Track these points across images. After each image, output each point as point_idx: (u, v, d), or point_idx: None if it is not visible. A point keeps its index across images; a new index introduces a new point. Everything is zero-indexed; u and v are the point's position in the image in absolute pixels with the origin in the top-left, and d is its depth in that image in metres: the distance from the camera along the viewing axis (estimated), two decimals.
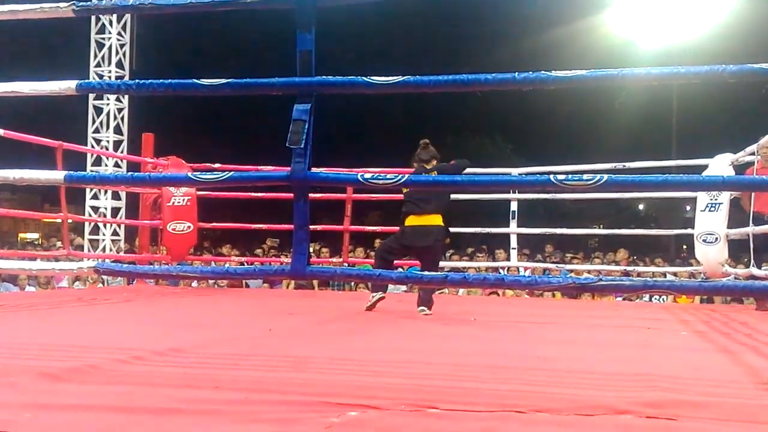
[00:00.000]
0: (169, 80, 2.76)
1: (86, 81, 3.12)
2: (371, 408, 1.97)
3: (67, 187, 6.58)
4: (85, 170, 10.79)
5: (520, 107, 21.43)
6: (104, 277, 8.85)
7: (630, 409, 2.00)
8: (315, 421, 1.82)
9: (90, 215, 11.74)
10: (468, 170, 5.43)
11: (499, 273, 7.91)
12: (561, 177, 2.44)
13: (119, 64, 11.99)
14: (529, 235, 8.93)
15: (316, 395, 2.10)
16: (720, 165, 6.58)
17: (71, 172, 3.12)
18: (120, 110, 12.02)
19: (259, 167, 7.25)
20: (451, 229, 8.38)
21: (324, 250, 10.06)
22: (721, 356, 3.32)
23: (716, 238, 6.58)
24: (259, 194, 8.28)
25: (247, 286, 9.13)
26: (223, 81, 2.71)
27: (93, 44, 11.98)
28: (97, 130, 11.92)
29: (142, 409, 1.94)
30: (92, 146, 11.68)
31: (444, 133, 22.64)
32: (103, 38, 11.94)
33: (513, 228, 7.91)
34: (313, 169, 2.77)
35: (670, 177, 2.61)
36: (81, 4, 2.92)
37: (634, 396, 2.20)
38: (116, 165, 11.76)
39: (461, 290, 8.46)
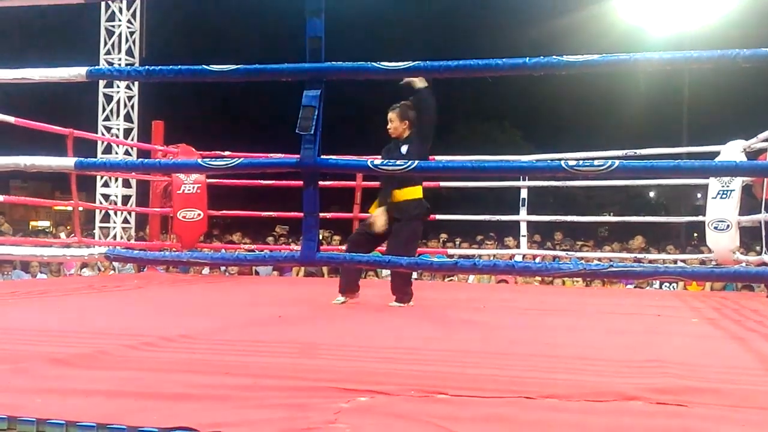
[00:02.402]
0: (179, 66, 2.76)
1: (96, 67, 3.11)
2: (380, 393, 1.98)
3: (78, 174, 6.61)
4: (96, 158, 10.80)
5: (530, 94, 21.34)
6: (116, 264, 8.90)
7: (640, 396, 2.00)
8: (324, 407, 1.83)
9: (101, 203, 11.79)
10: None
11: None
12: (572, 163, 2.42)
13: (129, 52, 12.00)
14: (539, 222, 8.91)
15: (326, 381, 2.10)
16: (732, 151, 6.53)
17: (81, 159, 3.12)
18: (130, 98, 12.04)
19: (269, 155, 7.24)
20: (463, 217, 8.42)
21: (336, 237, 10.08)
22: (731, 343, 3.31)
23: (728, 226, 6.54)
24: (269, 182, 8.28)
25: (257, 273, 9.17)
26: (233, 67, 2.70)
27: (103, 32, 11.99)
28: (107, 118, 11.95)
29: (152, 394, 1.95)
30: (102, 134, 11.70)
31: (453, 120, 22.59)
32: (113, 26, 11.95)
33: (523, 215, 7.89)
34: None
35: (682, 162, 2.60)
36: None
37: (644, 382, 2.19)
38: (126, 153, 11.79)
39: (471, 277, 8.46)
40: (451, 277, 8.59)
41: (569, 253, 8.32)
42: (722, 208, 6.60)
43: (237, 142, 10.25)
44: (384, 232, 4.71)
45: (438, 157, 7.09)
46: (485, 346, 3.05)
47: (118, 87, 11.91)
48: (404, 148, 4.63)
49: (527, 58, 2.56)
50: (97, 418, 1.70)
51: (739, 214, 6.56)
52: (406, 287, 4.70)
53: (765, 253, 6.09)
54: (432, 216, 4.88)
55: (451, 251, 8.61)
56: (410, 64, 2.62)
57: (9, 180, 24.12)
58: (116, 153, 11.77)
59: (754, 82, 16.34)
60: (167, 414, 1.75)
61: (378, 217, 4.67)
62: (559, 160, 2.53)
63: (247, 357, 2.60)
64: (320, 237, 4.23)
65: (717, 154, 6.68)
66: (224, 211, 8.80)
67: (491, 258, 8.15)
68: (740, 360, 2.79)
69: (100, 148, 11.67)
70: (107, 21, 11.95)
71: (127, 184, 11.87)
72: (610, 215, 19.67)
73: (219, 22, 22.53)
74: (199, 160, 3.18)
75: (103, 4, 11.79)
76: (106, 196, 11.95)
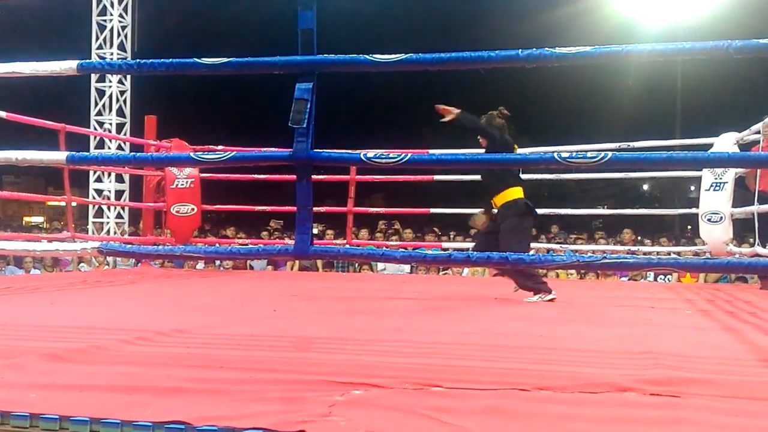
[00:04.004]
0: (170, 59, 2.75)
1: (87, 61, 3.11)
2: (375, 387, 1.98)
3: (71, 170, 6.59)
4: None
5: (524, 87, 21.30)
6: (113, 259, 8.89)
7: (633, 387, 2.01)
8: (319, 400, 1.83)
9: (94, 198, 11.74)
10: None
11: None
12: (565, 154, 2.42)
13: (121, 47, 11.94)
14: None
15: (320, 374, 2.11)
16: (725, 144, 6.55)
17: (73, 153, 3.11)
18: (122, 93, 11.98)
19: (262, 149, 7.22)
20: (452, 211, 8.48)
21: (329, 231, 10.07)
22: (725, 334, 3.32)
23: (721, 217, 6.56)
24: (262, 176, 8.27)
25: (251, 268, 9.16)
26: (224, 60, 2.69)
27: (94, 26, 11.93)
28: (99, 113, 11.89)
29: (146, 388, 1.94)
30: (95, 129, 11.65)
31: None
32: (105, 20, 11.88)
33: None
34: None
35: (674, 154, 2.60)
36: None
37: (637, 374, 2.20)
38: (119, 147, 11.73)
39: (465, 270, 8.47)
40: (446, 270, 8.60)
41: (563, 245, 8.33)
42: (715, 201, 6.62)
43: (230, 136, 10.20)
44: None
45: (432, 150, 7.10)
46: (480, 339, 3.05)
47: (110, 81, 11.85)
48: None
49: (520, 50, 2.56)
50: (91, 413, 1.70)
51: (732, 206, 6.58)
52: (531, 279, 4.79)
53: (758, 244, 6.11)
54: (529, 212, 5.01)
55: (445, 245, 8.62)
56: (402, 56, 2.61)
57: (2, 175, 24.03)
58: (109, 148, 11.71)
59: (747, 73, 16.35)
60: (161, 408, 1.75)
61: (477, 216, 5.39)
62: (553, 152, 2.53)
63: (242, 351, 2.60)
64: (314, 231, 4.28)
65: (710, 146, 6.70)
66: (218, 206, 8.78)
67: None
68: (733, 351, 2.80)
69: (92, 143, 11.61)
70: (99, 15, 11.88)
71: (120, 179, 11.82)
72: (604, 208, 19.71)
73: (212, 16, 22.42)
74: (192, 154, 3.17)
75: None
76: (99, 191, 11.90)
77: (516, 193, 4.88)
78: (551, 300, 4.68)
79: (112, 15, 11.84)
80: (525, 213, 4.89)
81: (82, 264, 9.03)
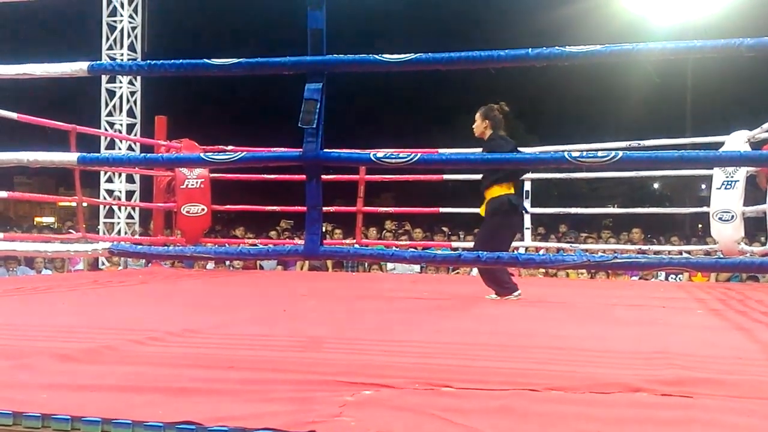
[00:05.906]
0: (180, 60, 2.75)
1: (98, 62, 3.11)
2: (385, 387, 1.98)
3: (82, 170, 6.61)
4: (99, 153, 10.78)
5: (533, 86, 21.26)
6: (124, 259, 8.91)
7: (645, 387, 2.00)
8: (330, 400, 1.83)
9: (105, 199, 11.79)
10: None
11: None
12: (576, 154, 2.41)
13: (131, 47, 11.98)
14: (543, 215, 8.90)
15: (331, 374, 2.11)
16: (736, 142, 6.51)
17: (84, 154, 3.12)
18: (133, 93, 12.02)
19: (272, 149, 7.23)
20: (459, 210, 8.50)
21: (337, 231, 10.07)
22: (736, 334, 3.30)
23: (732, 216, 6.53)
24: (272, 176, 8.27)
25: (261, 268, 9.18)
26: (234, 60, 2.69)
27: (105, 27, 11.97)
28: (110, 114, 11.93)
29: (157, 389, 1.95)
30: (105, 130, 11.69)
31: (456, 113, 22.52)
32: (115, 21, 11.93)
33: (526, 207, 7.87)
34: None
35: (686, 153, 2.59)
36: None
37: (649, 374, 2.19)
38: (129, 148, 11.77)
39: (475, 270, 8.45)
40: (456, 270, 8.59)
41: (573, 245, 8.31)
42: (726, 199, 6.59)
43: (240, 136, 10.22)
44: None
45: (441, 150, 7.09)
46: (490, 339, 3.04)
47: (120, 82, 11.90)
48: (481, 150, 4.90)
49: (530, 49, 2.55)
50: (103, 413, 1.70)
51: (744, 204, 6.54)
52: (499, 280, 4.78)
53: None
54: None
55: (455, 244, 8.61)
56: (412, 56, 2.60)
57: (13, 176, 24.14)
58: (119, 148, 11.75)
59: (758, 72, 16.25)
60: (172, 408, 1.75)
61: None
62: (563, 151, 2.51)
63: (252, 351, 2.61)
64: (323, 230, 4.33)
65: (721, 144, 6.67)
66: (228, 206, 8.79)
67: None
68: (745, 351, 2.78)
69: (103, 144, 11.66)
70: (109, 16, 11.93)
71: (130, 179, 11.86)
72: (614, 207, 19.63)
73: (221, 17, 22.48)
74: (202, 155, 3.17)
75: None
76: (110, 192, 11.95)
77: (503, 189, 4.80)
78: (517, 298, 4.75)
79: (122, 16, 11.88)
80: (506, 211, 4.81)
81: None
